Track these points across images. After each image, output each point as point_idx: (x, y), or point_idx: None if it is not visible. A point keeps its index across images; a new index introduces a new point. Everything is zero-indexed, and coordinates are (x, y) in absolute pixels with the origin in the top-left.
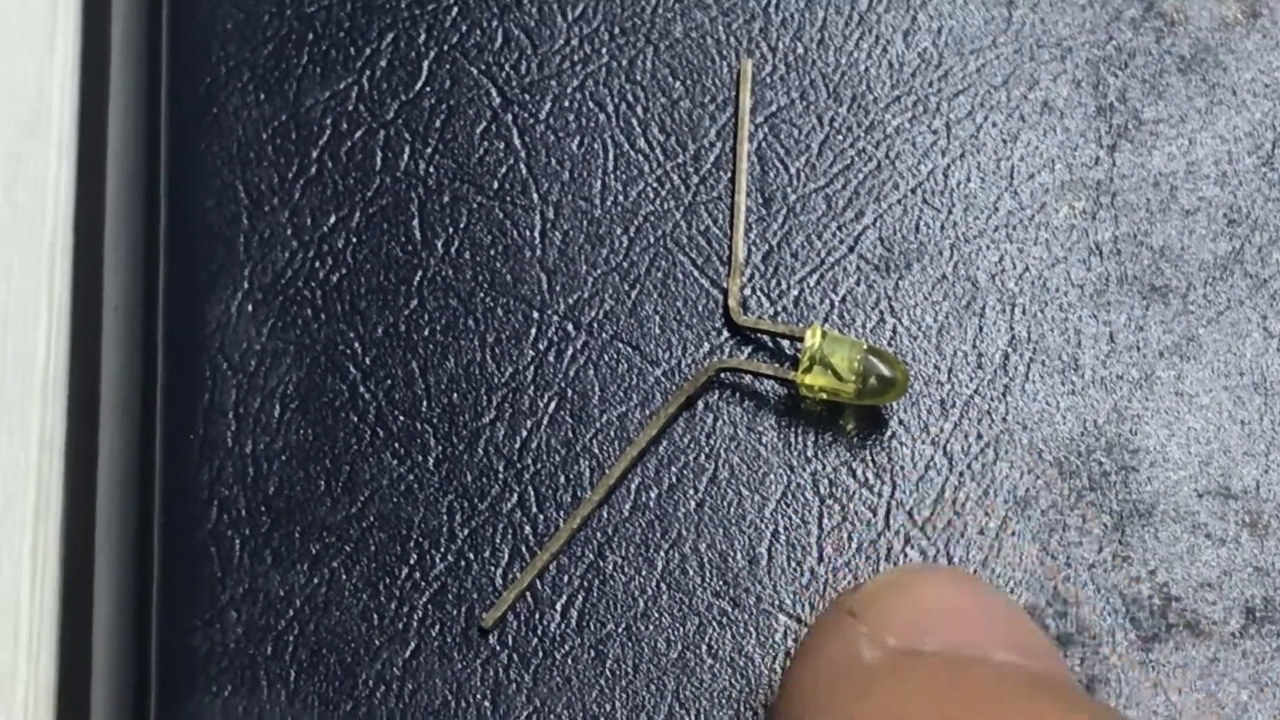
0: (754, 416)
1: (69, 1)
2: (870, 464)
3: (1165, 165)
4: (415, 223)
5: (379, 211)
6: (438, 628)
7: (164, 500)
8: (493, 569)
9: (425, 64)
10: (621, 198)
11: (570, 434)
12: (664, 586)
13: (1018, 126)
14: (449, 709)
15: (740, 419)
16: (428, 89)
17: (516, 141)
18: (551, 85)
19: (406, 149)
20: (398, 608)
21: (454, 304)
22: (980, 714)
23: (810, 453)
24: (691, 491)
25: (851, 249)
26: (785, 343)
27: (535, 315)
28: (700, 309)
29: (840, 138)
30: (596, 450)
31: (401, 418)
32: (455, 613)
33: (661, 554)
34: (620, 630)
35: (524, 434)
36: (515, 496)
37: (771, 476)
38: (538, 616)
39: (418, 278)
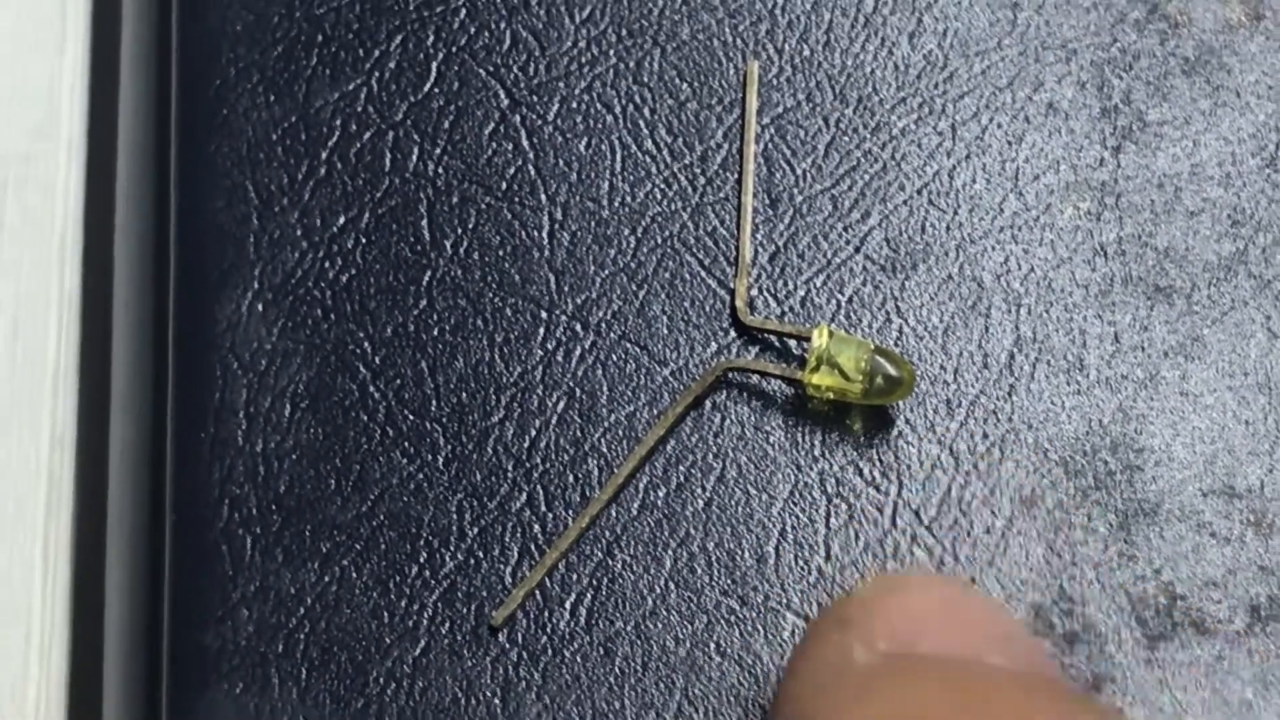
0: (761, 416)
1: (79, 3)
2: (877, 463)
3: (1170, 167)
4: (424, 223)
5: (388, 212)
6: (448, 626)
7: (175, 499)
8: (502, 567)
9: (434, 65)
10: (629, 198)
11: (579, 433)
12: (672, 585)
13: (1023, 128)
14: (459, 706)
15: (748, 419)
16: (436, 90)
17: (525, 143)
18: (559, 87)
19: (415, 150)
20: (408, 606)
21: (463, 304)
22: (977, 714)
23: (817, 452)
24: (699, 490)
25: (858, 249)
26: (792, 343)
27: (544, 315)
28: (707, 309)
29: (846, 139)
30: (605, 449)
31: (411, 417)
32: (465, 611)
33: (670, 553)
34: (629, 628)
35: (533, 433)
36: (524, 495)
37: (779, 476)
38: (547, 615)
39: (427, 278)
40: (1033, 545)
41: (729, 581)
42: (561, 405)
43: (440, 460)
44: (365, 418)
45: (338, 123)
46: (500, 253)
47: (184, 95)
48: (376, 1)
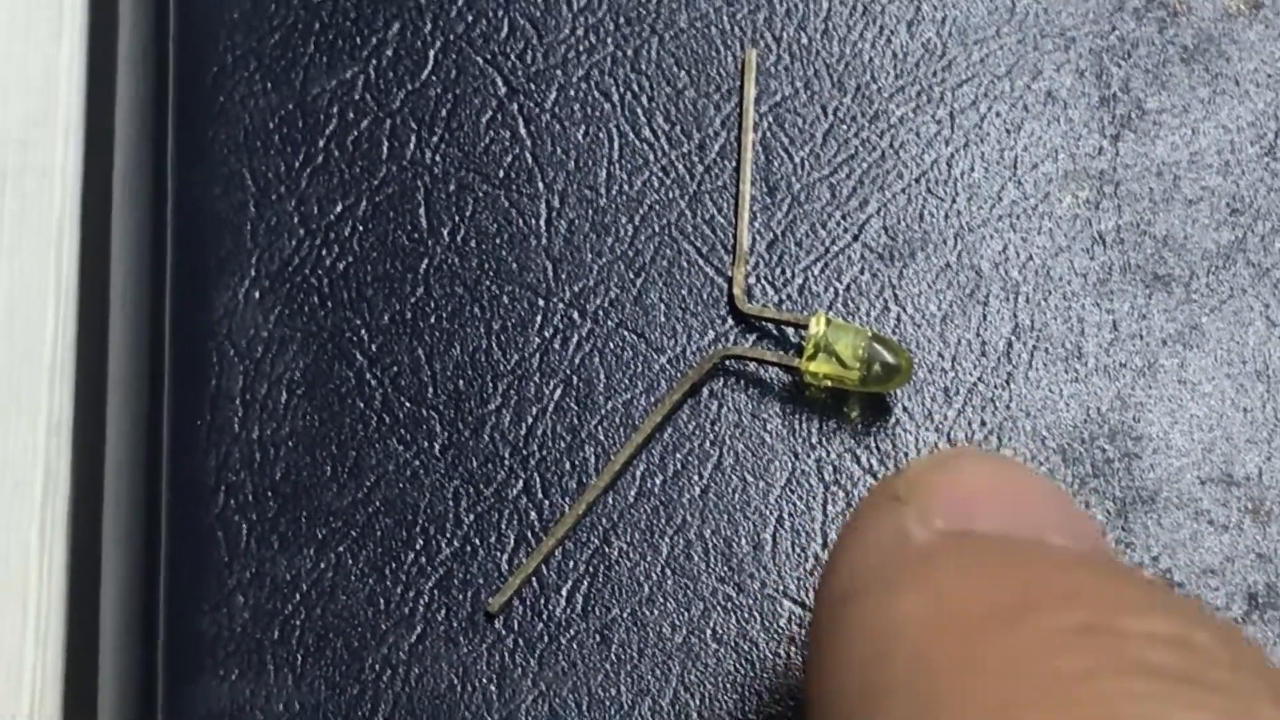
0: (759, 403)
1: None
2: (875, 451)
3: (1168, 155)
4: (421, 211)
5: (385, 200)
6: (444, 612)
7: (171, 485)
8: (498, 554)
9: (431, 53)
10: (627, 186)
11: (575, 420)
12: (669, 572)
13: (1021, 116)
14: (455, 693)
15: (745, 406)
16: (434, 78)
17: (522, 130)
18: (557, 75)
19: (413, 138)
20: (404, 593)
21: (460, 291)
22: (1041, 594)
23: (815, 439)
24: (696, 478)
25: (856, 238)
26: (790, 330)
27: (541, 303)
28: (705, 297)
29: (844, 127)
30: (602, 437)
31: (408, 404)
32: (461, 598)
33: (666, 540)
34: (625, 615)
35: (529, 420)
36: (521, 482)
37: (776, 463)
38: (543, 601)
39: (424, 265)
40: None
41: (726, 568)
42: (559, 392)
43: (437, 447)
44: (362, 405)
45: (335, 110)
46: (497, 240)
47: (181, 83)
48: None
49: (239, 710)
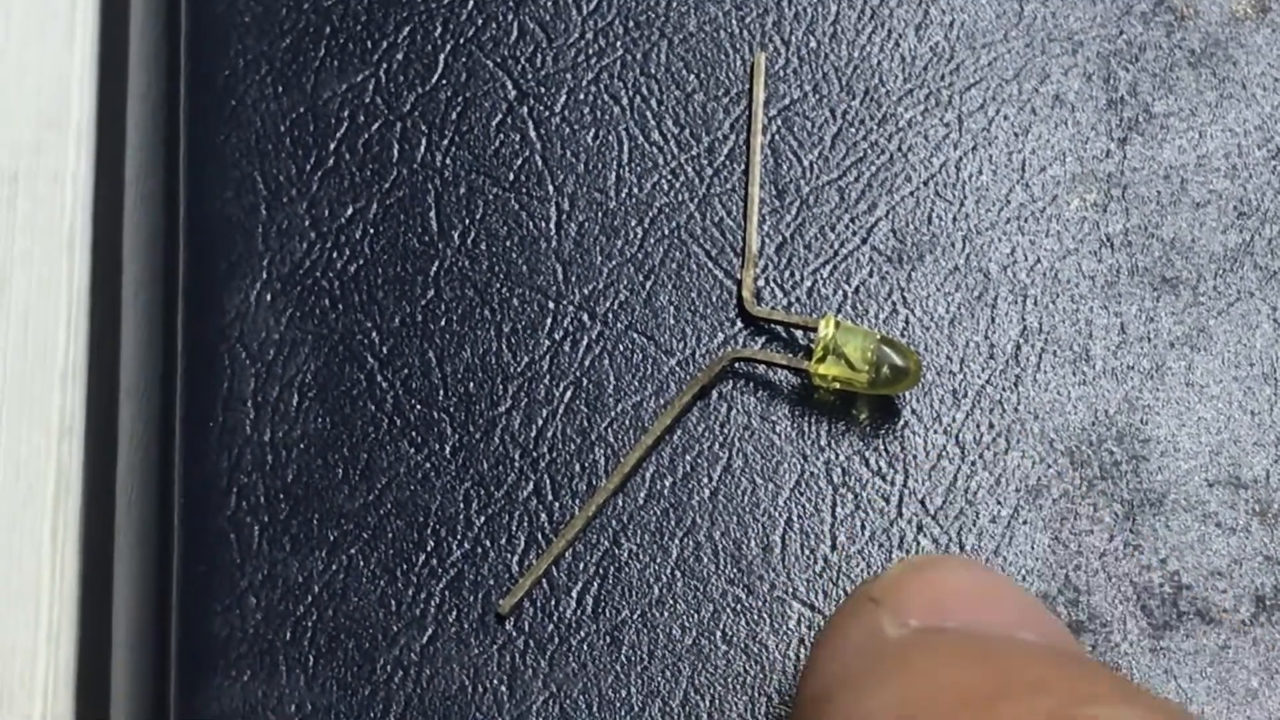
0: (768, 406)
1: None
2: (883, 453)
3: (1176, 158)
4: (432, 214)
5: (396, 203)
6: (455, 614)
7: (183, 487)
8: (509, 556)
9: (441, 57)
10: (636, 190)
11: (585, 423)
12: (679, 574)
13: (1029, 120)
14: (466, 694)
15: (754, 408)
16: (444, 82)
17: (532, 134)
18: (566, 78)
19: (423, 141)
20: (415, 594)
21: (470, 294)
22: (1010, 684)
23: (824, 442)
24: (706, 480)
25: (864, 240)
26: (799, 333)
27: (551, 306)
28: (714, 300)
29: (853, 130)
30: (611, 439)
31: (418, 406)
32: (472, 599)
33: (676, 542)
34: (635, 617)
35: (540, 423)
36: (531, 484)
37: (785, 465)
38: (554, 603)
39: (434, 268)
40: (1038, 535)
41: (735, 570)
42: (568, 395)
43: (447, 449)
44: (373, 407)
45: (345, 114)
46: (507, 243)
47: (193, 86)
48: None
49: (251, 711)
